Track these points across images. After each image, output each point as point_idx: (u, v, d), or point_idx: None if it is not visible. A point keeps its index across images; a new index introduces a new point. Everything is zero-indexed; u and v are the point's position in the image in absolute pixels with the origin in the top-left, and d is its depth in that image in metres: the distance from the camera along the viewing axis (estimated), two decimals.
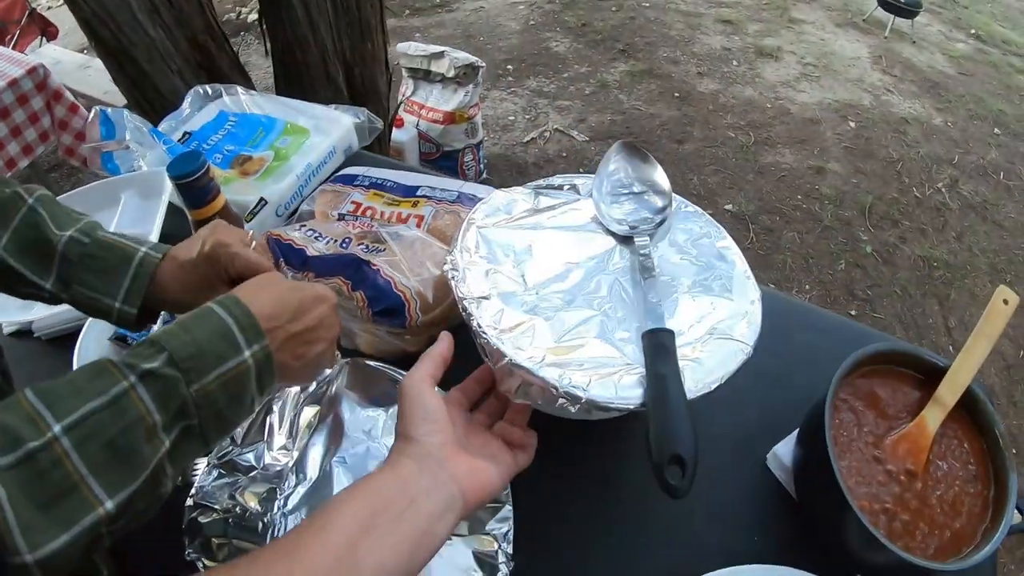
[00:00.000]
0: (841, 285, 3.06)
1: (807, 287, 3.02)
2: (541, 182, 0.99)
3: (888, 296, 3.03)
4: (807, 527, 0.86)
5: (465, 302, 0.78)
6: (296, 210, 1.27)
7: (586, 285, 0.83)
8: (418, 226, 1.12)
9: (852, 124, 4.10)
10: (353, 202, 1.19)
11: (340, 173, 1.31)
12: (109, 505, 0.49)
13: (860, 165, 3.76)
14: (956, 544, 0.77)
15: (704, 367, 0.74)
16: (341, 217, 1.15)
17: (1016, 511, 0.77)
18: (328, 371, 0.92)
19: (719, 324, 0.79)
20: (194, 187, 0.92)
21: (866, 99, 4.38)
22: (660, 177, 0.94)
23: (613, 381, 0.71)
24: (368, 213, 1.17)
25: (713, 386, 0.72)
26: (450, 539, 0.79)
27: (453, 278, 0.81)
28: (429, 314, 0.97)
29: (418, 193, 1.20)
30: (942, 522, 0.78)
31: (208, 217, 0.93)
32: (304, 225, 1.09)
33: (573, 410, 0.71)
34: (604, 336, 0.76)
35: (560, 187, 0.98)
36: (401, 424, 0.64)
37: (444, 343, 0.71)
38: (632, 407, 0.70)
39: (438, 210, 1.15)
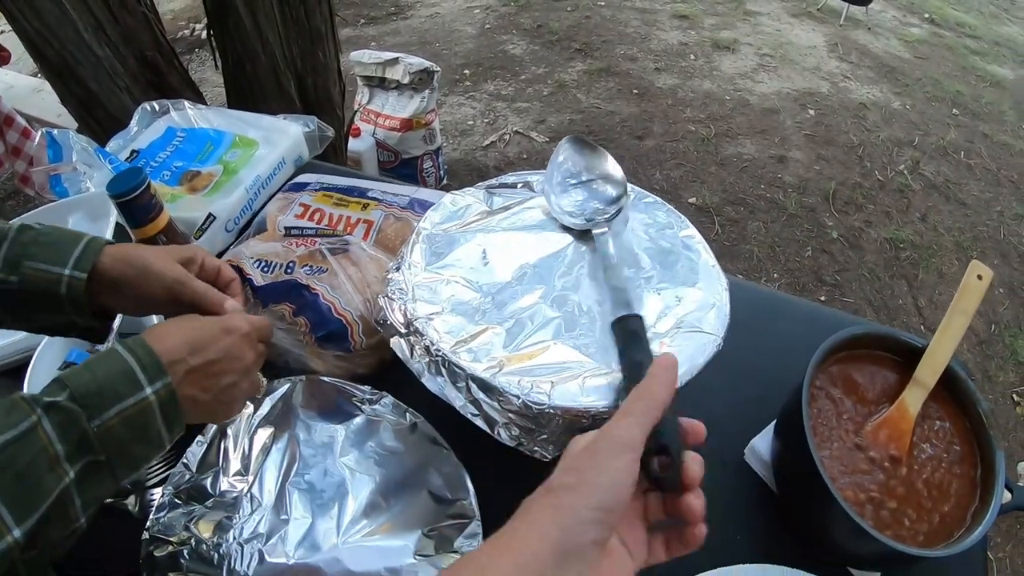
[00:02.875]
0: (809, 272, 3.06)
1: (775, 276, 3.01)
2: (493, 181, 0.96)
3: (857, 280, 3.03)
4: (790, 521, 0.83)
5: (417, 323, 0.74)
6: (248, 224, 1.23)
7: (545, 286, 0.80)
8: (366, 235, 1.07)
9: (811, 112, 4.11)
10: (301, 204, 1.15)
11: (292, 182, 1.27)
12: (17, 533, 0.50)
13: (821, 152, 3.76)
14: (946, 528, 0.74)
15: None
16: (287, 232, 1.10)
17: (1005, 489, 0.75)
18: (280, 389, 0.89)
19: (687, 316, 0.76)
20: (135, 205, 0.87)
21: (824, 87, 4.40)
22: (612, 167, 0.90)
23: (578, 384, 0.68)
24: (316, 216, 1.12)
25: (684, 380, 0.69)
26: (415, 560, 0.76)
27: (399, 297, 0.78)
28: (375, 337, 0.94)
29: (369, 195, 1.16)
30: (930, 507, 0.76)
31: (152, 236, 0.89)
32: (252, 257, 1.05)
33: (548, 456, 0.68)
34: (565, 338, 0.73)
35: (513, 185, 0.95)
36: (562, 481, 0.51)
37: (668, 385, 0.57)
38: (600, 409, 0.66)
39: (388, 215, 1.11)
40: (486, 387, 0.69)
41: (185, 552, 0.76)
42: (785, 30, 5.16)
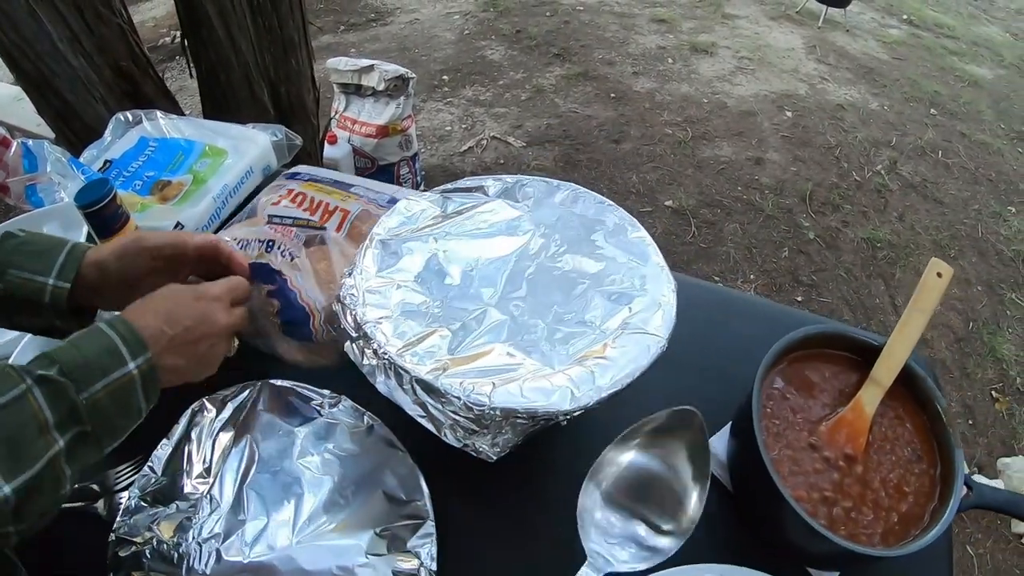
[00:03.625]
0: (786, 272, 3.06)
1: (752, 277, 3.01)
2: (449, 186, 0.96)
3: (833, 280, 3.04)
4: (748, 522, 0.83)
5: (366, 327, 0.75)
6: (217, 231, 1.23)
7: (493, 289, 0.80)
8: (341, 223, 1.07)
9: (789, 114, 4.12)
10: (288, 190, 1.15)
11: (288, 172, 1.28)
12: (7, 489, 0.53)
13: (799, 153, 3.77)
14: (905, 527, 0.74)
15: (616, 364, 0.71)
16: (270, 219, 1.10)
17: (964, 486, 0.75)
18: (242, 394, 0.91)
19: (632, 318, 0.76)
20: (102, 215, 0.90)
21: (802, 88, 4.42)
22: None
23: (518, 385, 0.68)
24: (298, 200, 1.13)
25: (627, 382, 0.69)
26: (367, 559, 0.76)
27: (351, 302, 0.78)
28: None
29: (351, 190, 1.17)
30: (888, 505, 0.75)
31: None
32: (233, 239, 1.04)
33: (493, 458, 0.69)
34: (510, 341, 0.74)
35: (469, 190, 0.94)
36: None
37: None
38: (540, 411, 0.67)
39: (365, 210, 1.10)
40: (430, 389, 0.69)
41: (147, 552, 0.77)
42: (763, 33, 5.18)
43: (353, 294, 0.79)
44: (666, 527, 0.75)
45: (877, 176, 3.64)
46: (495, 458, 0.70)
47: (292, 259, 0.99)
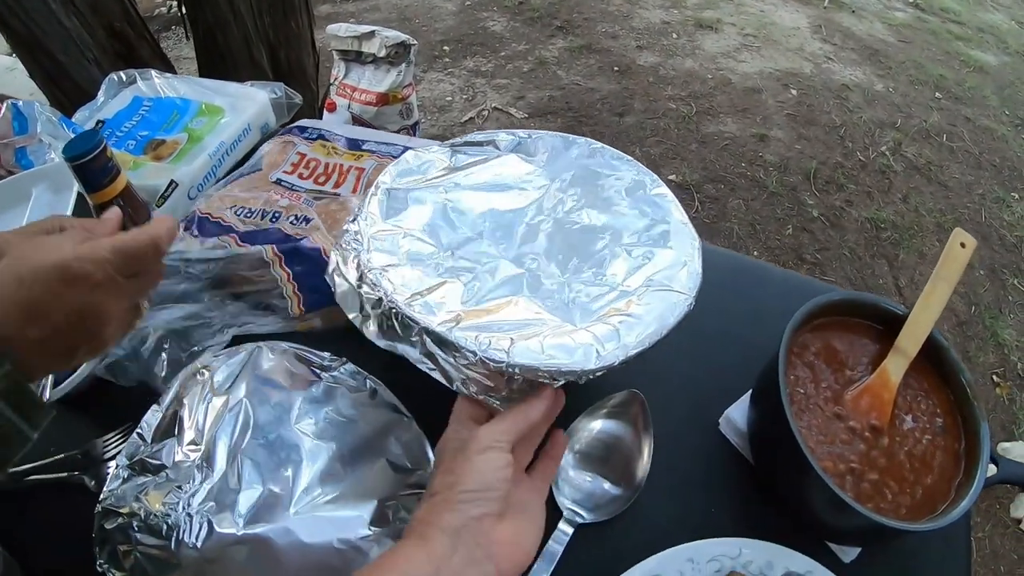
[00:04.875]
0: (789, 250, 3.03)
1: (755, 253, 2.98)
2: (459, 140, 0.91)
3: (837, 259, 3.01)
4: (767, 494, 0.79)
5: (371, 274, 0.70)
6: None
7: (507, 243, 0.76)
8: (356, 185, 1.07)
9: (794, 92, 4.07)
10: (298, 153, 1.15)
11: (293, 125, 1.29)
12: None
13: (803, 131, 3.73)
14: (929, 502, 0.70)
15: (643, 322, 0.66)
16: (278, 182, 1.09)
17: (991, 463, 0.72)
18: (237, 356, 0.85)
19: (657, 275, 0.72)
20: (91, 167, 0.84)
21: (807, 67, 4.36)
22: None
23: (539, 342, 0.63)
24: (311, 166, 1.12)
25: (655, 339, 0.65)
26: (370, 531, 0.72)
27: (354, 248, 0.73)
28: None
29: (363, 147, 1.17)
30: (913, 479, 0.72)
31: (109, 200, 0.87)
32: (231, 206, 1.03)
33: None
34: (526, 295, 0.70)
35: (479, 143, 0.90)
36: (441, 479, 0.60)
37: (539, 405, 0.65)
38: (562, 368, 0.62)
39: (379, 164, 1.11)
40: (441, 342, 0.65)
41: (134, 524, 0.72)
42: (769, 11, 5.11)
43: (357, 239, 0.74)
44: (623, 483, 0.79)
45: (881, 157, 3.60)
46: None
47: (306, 223, 0.96)
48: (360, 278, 0.71)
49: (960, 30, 5.25)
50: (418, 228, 0.76)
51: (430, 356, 0.66)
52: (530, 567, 0.69)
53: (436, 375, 0.66)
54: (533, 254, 0.75)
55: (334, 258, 0.75)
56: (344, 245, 0.75)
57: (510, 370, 0.62)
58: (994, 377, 2.60)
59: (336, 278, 0.74)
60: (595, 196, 0.83)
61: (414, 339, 0.67)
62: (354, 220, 0.78)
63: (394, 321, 0.68)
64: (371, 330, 0.70)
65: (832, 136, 3.72)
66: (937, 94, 4.26)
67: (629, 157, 0.89)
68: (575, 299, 0.71)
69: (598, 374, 0.64)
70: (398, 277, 0.69)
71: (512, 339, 0.63)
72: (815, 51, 4.58)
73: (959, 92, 4.32)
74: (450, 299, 0.68)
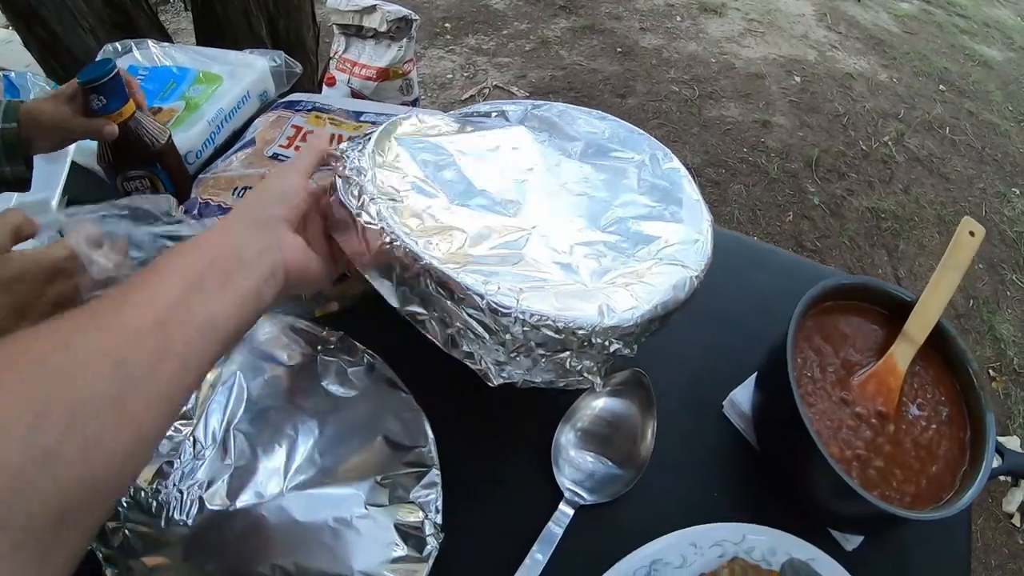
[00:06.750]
0: (790, 237, 3.02)
1: (755, 239, 2.94)
2: (466, 109, 0.88)
3: (837, 247, 3.00)
4: (771, 478, 0.78)
5: (372, 204, 0.63)
6: (210, 159, 1.19)
7: (516, 204, 0.73)
8: None
9: (797, 79, 4.05)
10: (294, 126, 1.12)
11: (284, 99, 1.25)
12: None
13: (806, 119, 3.71)
14: (934, 490, 0.69)
15: (656, 290, 0.65)
16: (275, 157, 1.06)
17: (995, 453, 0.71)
18: None
19: (667, 249, 0.70)
20: (105, 90, 0.89)
21: (811, 55, 4.34)
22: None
23: (553, 294, 0.61)
24: (309, 138, 1.09)
25: (665, 310, 0.63)
26: (366, 510, 0.70)
27: (357, 177, 0.66)
28: None
29: (362, 119, 1.14)
30: (918, 468, 0.71)
31: (124, 120, 0.93)
32: (232, 188, 1.00)
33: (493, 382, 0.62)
34: (538, 252, 0.67)
35: (487, 114, 0.88)
36: (250, 196, 0.63)
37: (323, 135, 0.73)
38: (577, 328, 0.59)
39: None
40: (443, 283, 0.59)
41: (123, 500, 0.69)
42: None
43: (361, 167, 0.67)
44: (625, 464, 0.78)
45: (884, 147, 3.59)
46: (495, 382, 0.61)
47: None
48: (360, 207, 0.64)
49: (965, 23, 5.23)
50: (422, 176, 0.72)
51: (425, 301, 0.62)
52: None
53: (421, 327, 0.62)
54: (542, 217, 0.72)
55: (336, 185, 0.67)
56: (346, 172, 0.67)
57: (518, 317, 0.58)
58: (990, 371, 2.60)
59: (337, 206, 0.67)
60: (606, 167, 0.81)
61: (410, 278, 0.61)
62: (359, 149, 0.70)
63: (392, 257, 0.62)
64: (370, 269, 0.64)
65: (835, 124, 3.70)
66: (941, 86, 4.24)
67: (641, 131, 0.87)
68: (586, 264, 0.68)
69: (611, 347, 0.62)
70: (401, 212, 0.65)
71: (521, 288, 0.60)
72: (820, 39, 4.55)
73: (963, 86, 4.30)
74: (455, 243, 0.64)
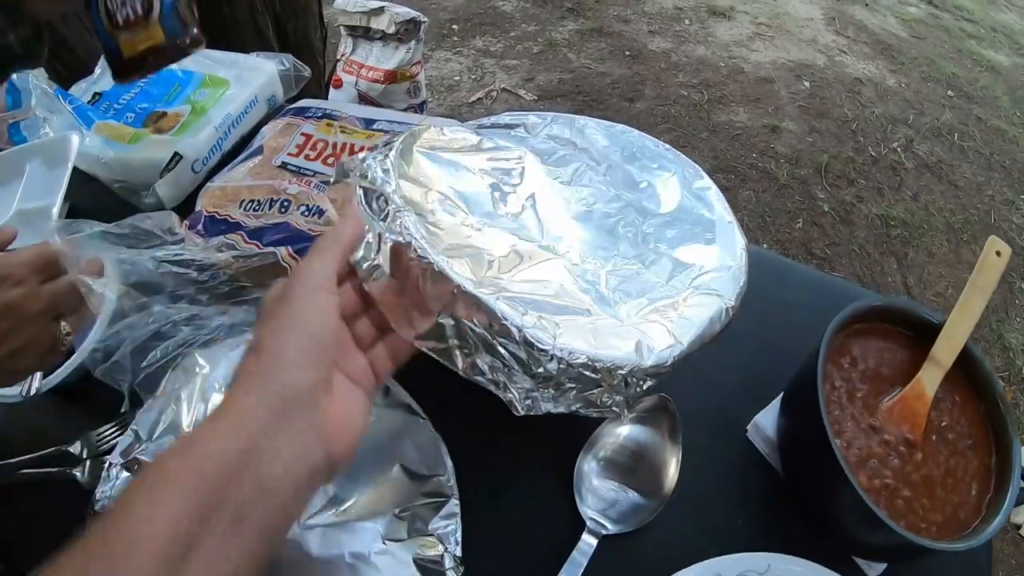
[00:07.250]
0: (799, 244, 3.01)
1: (765, 246, 2.95)
2: (485, 120, 0.86)
3: (847, 255, 2.98)
4: (795, 505, 0.77)
5: (400, 215, 0.57)
6: (217, 166, 1.15)
7: (542, 228, 0.70)
8: None
9: (806, 84, 4.04)
10: (303, 134, 1.08)
11: (294, 106, 1.20)
12: None
13: (815, 124, 3.70)
14: (958, 519, 0.68)
15: (693, 324, 0.63)
16: (283, 166, 1.02)
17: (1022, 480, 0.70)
18: (238, 350, 0.80)
19: (701, 277, 0.69)
20: None
21: (820, 59, 4.33)
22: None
23: (590, 326, 0.59)
24: (318, 147, 1.05)
25: (697, 344, 0.62)
26: (384, 545, 0.68)
27: (384, 180, 0.61)
28: None
29: (374, 127, 1.09)
30: (943, 496, 0.69)
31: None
32: (238, 200, 0.97)
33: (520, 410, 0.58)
34: (569, 283, 0.64)
35: (509, 127, 0.85)
36: (262, 334, 0.48)
37: (353, 222, 0.56)
38: (612, 367, 0.57)
39: None
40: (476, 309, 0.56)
41: None
42: (782, 1, 5.07)
43: (386, 169, 0.62)
44: (649, 493, 0.76)
45: (893, 153, 3.57)
46: (521, 411, 0.58)
47: (320, 215, 0.91)
48: (383, 216, 0.58)
49: (973, 28, 5.21)
50: (448, 191, 0.68)
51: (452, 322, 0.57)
52: None
53: (437, 355, 0.57)
54: (572, 242, 0.69)
55: (358, 193, 0.61)
56: (370, 173, 0.62)
57: (555, 355, 0.55)
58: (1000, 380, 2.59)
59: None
60: (635, 188, 0.79)
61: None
62: (384, 157, 0.65)
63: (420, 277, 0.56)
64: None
65: (844, 130, 3.69)
66: (949, 92, 4.23)
67: (668, 146, 0.85)
68: (618, 294, 0.66)
69: (645, 384, 0.60)
70: (427, 228, 0.60)
71: (557, 323, 0.57)
72: (828, 43, 4.54)
73: (971, 91, 4.28)
74: (485, 267, 0.61)
